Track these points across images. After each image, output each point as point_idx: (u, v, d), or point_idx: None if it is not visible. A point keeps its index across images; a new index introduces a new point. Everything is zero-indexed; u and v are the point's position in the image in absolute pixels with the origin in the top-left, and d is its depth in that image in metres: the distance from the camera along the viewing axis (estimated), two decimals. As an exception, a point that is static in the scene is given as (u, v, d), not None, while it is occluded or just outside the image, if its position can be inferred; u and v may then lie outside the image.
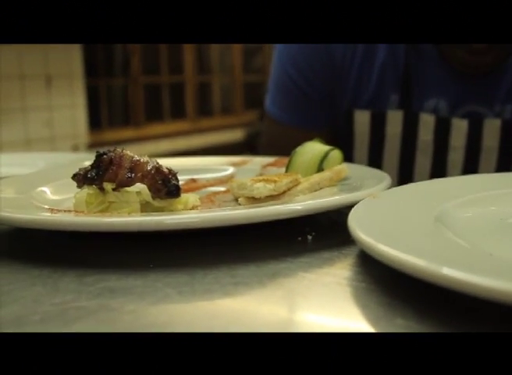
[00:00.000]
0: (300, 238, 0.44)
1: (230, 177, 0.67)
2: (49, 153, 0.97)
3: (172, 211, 0.51)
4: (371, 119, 0.87)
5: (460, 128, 0.83)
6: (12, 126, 3.11)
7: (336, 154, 0.56)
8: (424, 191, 0.47)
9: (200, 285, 0.35)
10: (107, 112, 4.13)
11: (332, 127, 0.94)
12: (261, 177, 0.50)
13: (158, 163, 0.50)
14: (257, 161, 0.71)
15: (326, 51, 0.90)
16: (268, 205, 0.44)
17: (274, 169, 0.67)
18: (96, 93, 3.97)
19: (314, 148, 0.56)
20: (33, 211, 0.47)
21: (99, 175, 0.49)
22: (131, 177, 0.49)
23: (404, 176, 0.87)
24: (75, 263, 0.41)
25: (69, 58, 3.41)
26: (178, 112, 4.66)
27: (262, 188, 0.47)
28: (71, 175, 0.63)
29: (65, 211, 0.47)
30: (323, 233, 0.46)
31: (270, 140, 1.02)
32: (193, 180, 0.66)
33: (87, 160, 0.82)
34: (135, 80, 4.27)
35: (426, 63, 0.85)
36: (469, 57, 0.80)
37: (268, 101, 1.01)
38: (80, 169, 0.51)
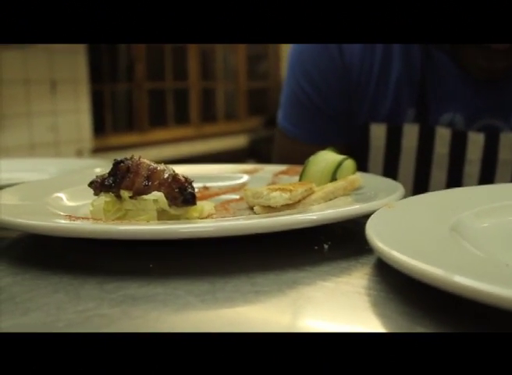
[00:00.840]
0: (316, 247, 0.45)
1: (242, 185, 0.67)
2: (60, 159, 0.97)
3: (187, 219, 0.51)
4: (387, 133, 0.87)
5: (476, 141, 0.83)
6: (16, 131, 3.12)
7: (350, 163, 0.56)
8: (439, 200, 0.48)
9: (221, 293, 0.36)
10: (111, 117, 4.15)
11: (346, 142, 0.93)
12: (276, 186, 0.50)
13: (174, 171, 0.51)
14: (269, 169, 0.71)
15: (342, 66, 0.89)
16: (285, 215, 0.44)
17: (286, 178, 0.67)
18: (100, 98, 3.99)
19: (327, 158, 0.57)
20: (51, 218, 0.48)
21: (116, 183, 0.50)
22: (148, 185, 0.49)
23: (419, 189, 0.87)
24: (93, 270, 0.42)
25: (74, 63, 3.42)
26: (182, 118, 4.67)
27: (278, 197, 0.48)
28: (85, 181, 0.64)
29: (83, 218, 0.48)
30: (338, 242, 0.47)
31: (282, 154, 1.01)
32: (206, 188, 0.66)
33: (97, 167, 0.82)
34: (139, 86, 4.29)
35: (442, 75, 0.85)
36: (486, 63, 0.80)
37: (280, 115, 1.00)
38: (96, 177, 0.51)
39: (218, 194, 0.65)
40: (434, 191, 0.85)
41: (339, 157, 0.56)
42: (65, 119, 3.39)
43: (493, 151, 0.83)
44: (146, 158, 0.52)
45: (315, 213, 0.44)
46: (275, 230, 0.42)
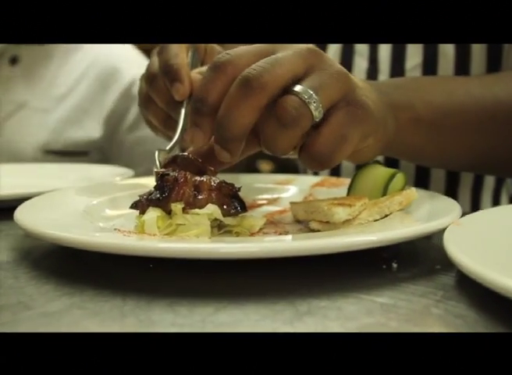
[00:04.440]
0: (384, 266, 0.43)
1: (278, 197, 0.65)
2: (78, 165, 0.95)
3: (238, 232, 0.49)
4: None
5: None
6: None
7: (401, 177, 0.54)
8: (509, 216, 0.46)
9: (309, 318, 0.33)
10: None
11: None
12: (335, 201, 0.48)
13: (220, 179, 0.49)
14: (303, 180, 0.69)
15: None
16: (356, 234, 0.42)
17: (323, 190, 0.65)
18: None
19: (377, 171, 0.55)
20: (100, 232, 0.45)
21: (165, 196, 0.47)
22: (198, 195, 0.47)
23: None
24: (157, 289, 0.39)
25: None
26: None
27: (342, 213, 0.46)
28: (114, 191, 0.61)
29: (136, 233, 0.45)
30: (404, 260, 0.45)
31: None
32: (241, 199, 0.64)
33: (116, 175, 0.80)
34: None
35: None
36: None
37: None
38: (139, 197, 0.48)
39: (254, 207, 0.62)
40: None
41: (391, 170, 0.54)
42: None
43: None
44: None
45: (387, 233, 0.42)
46: (345, 250, 0.40)
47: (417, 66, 0.83)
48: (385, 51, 0.85)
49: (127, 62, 1.32)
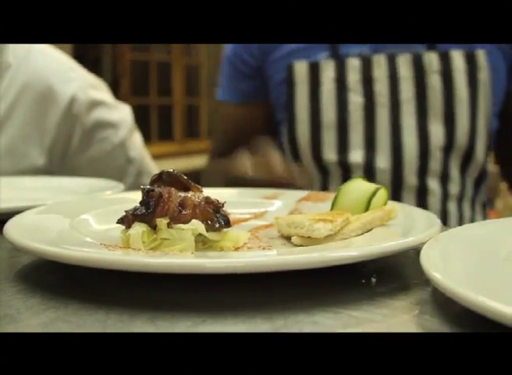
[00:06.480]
0: (363, 281, 0.44)
1: (265, 212, 0.66)
2: (68, 178, 0.96)
3: (221, 247, 0.50)
4: (308, 69, 1.05)
5: (379, 62, 1.03)
6: None
7: (383, 193, 0.55)
8: (486, 232, 0.48)
9: (286, 332, 0.34)
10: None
11: (274, 96, 1.13)
12: (317, 216, 0.49)
13: (204, 195, 0.50)
14: (290, 194, 0.70)
15: None
16: (337, 250, 0.44)
17: (309, 204, 0.66)
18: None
19: (359, 187, 0.56)
20: (88, 247, 0.46)
21: (150, 211, 0.48)
22: (182, 211, 0.48)
23: (342, 111, 1.04)
24: (139, 303, 0.40)
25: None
26: (165, 134, 4.65)
27: (323, 229, 0.47)
28: (102, 204, 0.62)
29: (121, 247, 0.46)
30: (383, 274, 0.46)
31: (227, 121, 1.23)
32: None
33: (109, 189, 0.80)
34: (124, 101, 4.25)
35: None
36: None
37: (220, 93, 1.23)
38: (125, 212, 0.49)
39: (240, 221, 0.63)
40: (353, 113, 1.03)
41: (373, 186, 0.56)
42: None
43: (394, 69, 1.02)
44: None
45: (366, 248, 0.43)
46: (328, 264, 0.41)
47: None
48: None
49: (62, 78, 1.21)
